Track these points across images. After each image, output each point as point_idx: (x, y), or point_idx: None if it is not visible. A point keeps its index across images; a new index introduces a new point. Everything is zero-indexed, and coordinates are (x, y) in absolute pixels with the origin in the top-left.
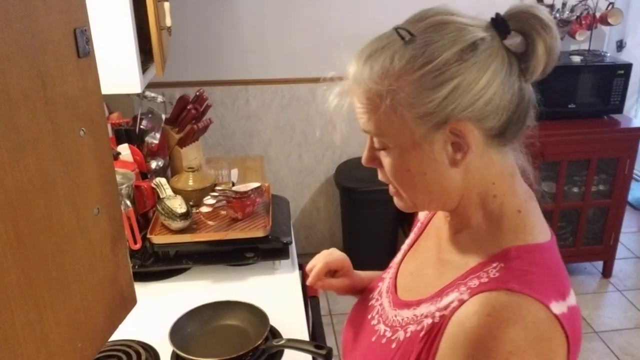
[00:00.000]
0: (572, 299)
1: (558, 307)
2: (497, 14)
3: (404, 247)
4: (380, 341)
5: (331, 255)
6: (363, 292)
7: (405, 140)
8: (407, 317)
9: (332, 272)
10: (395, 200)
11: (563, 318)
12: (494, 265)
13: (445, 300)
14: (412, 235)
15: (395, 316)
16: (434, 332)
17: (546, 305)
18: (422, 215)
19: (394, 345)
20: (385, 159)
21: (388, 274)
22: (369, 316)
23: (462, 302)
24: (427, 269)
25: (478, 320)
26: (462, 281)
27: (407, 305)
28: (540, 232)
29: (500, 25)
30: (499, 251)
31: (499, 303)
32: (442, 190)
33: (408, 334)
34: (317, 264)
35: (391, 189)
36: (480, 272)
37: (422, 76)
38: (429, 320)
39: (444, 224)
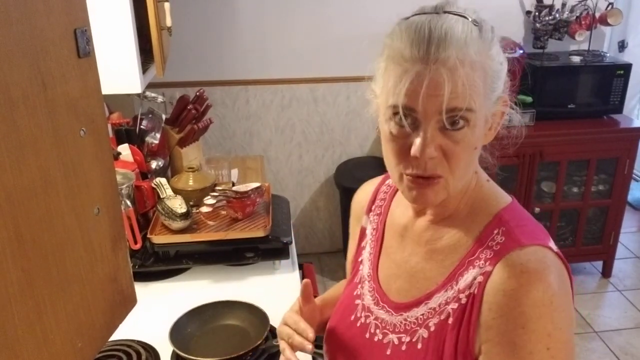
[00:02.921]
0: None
1: (553, 246)
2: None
3: (368, 257)
4: (399, 350)
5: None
6: (328, 319)
7: (481, 116)
8: (423, 314)
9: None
10: (429, 192)
11: (559, 254)
12: (495, 231)
13: (464, 281)
14: (370, 244)
15: (406, 319)
16: (467, 312)
17: (549, 247)
18: (367, 223)
19: (420, 345)
20: (455, 141)
21: (363, 288)
22: (367, 335)
23: (487, 274)
24: (419, 265)
25: (516, 280)
26: (473, 257)
27: (415, 303)
28: (505, 193)
29: None
30: (492, 218)
31: (523, 259)
32: (474, 169)
33: (432, 328)
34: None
35: (422, 181)
36: (487, 242)
37: (497, 54)
38: (453, 305)
39: (412, 218)
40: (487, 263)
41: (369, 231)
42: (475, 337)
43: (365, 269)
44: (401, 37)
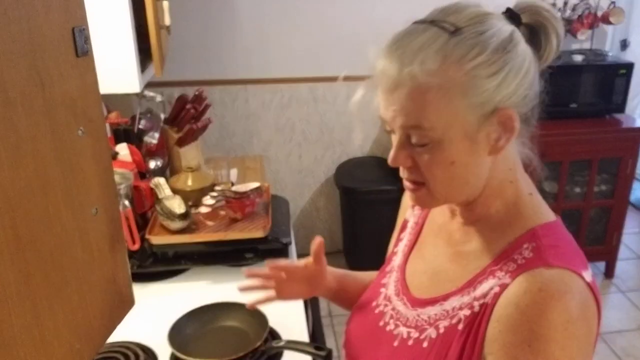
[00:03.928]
0: (590, 269)
1: (587, 276)
2: (509, 8)
3: (402, 249)
4: (406, 344)
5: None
6: (355, 302)
7: (455, 132)
8: (436, 314)
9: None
10: (416, 196)
11: (592, 285)
12: (525, 246)
13: (481, 289)
14: (408, 237)
15: (419, 315)
16: (477, 321)
17: (580, 274)
18: (411, 216)
19: (425, 344)
20: (424, 155)
21: (390, 277)
22: (381, 323)
23: (504, 287)
24: (444, 265)
25: (532, 296)
26: (496, 267)
27: (432, 302)
28: (549, 211)
29: (514, 18)
30: (525, 232)
31: (545, 278)
32: (477, 179)
33: (441, 330)
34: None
35: (410, 185)
36: (514, 255)
37: (475, 67)
38: (466, 312)
39: (449, 219)
40: (508, 275)
41: (410, 224)
42: (481, 349)
43: (397, 260)
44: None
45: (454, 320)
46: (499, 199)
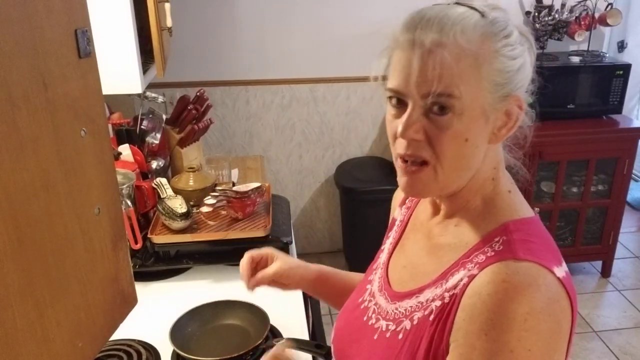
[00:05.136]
0: (565, 266)
1: (559, 271)
2: None
3: (388, 247)
4: (384, 336)
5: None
6: (345, 297)
7: (476, 107)
8: (411, 306)
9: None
10: (416, 178)
11: (565, 281)
12: (497, 239)
13: (452, 281)
14: (393, 234)
15: (397, 309)
16: (446, 312)
17: (550, 269)
18: (398, 215)
19: (400, 336)
20: (441, 127)
21: (375, 274)
22: (364, 318)
23: (472, 277)
24: (422, 258)
25: (494, 286)
26: (467, 259)
27: (408, 295)
28: (528, 208)
29: None
30: (498, 226)
31: (510, 270)
32: (474, 166)
33: (415, 322)
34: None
35: (411, 166)
36: (485, 248)
37: (504, 46)
38: (437, 303)
39: (430, 214)
40: (476, 267)
41: (397, 223)
42: (449, 338)
43: (383, 257)
44: (401, 23)
45: (427, 312)
46: (479, 193)
